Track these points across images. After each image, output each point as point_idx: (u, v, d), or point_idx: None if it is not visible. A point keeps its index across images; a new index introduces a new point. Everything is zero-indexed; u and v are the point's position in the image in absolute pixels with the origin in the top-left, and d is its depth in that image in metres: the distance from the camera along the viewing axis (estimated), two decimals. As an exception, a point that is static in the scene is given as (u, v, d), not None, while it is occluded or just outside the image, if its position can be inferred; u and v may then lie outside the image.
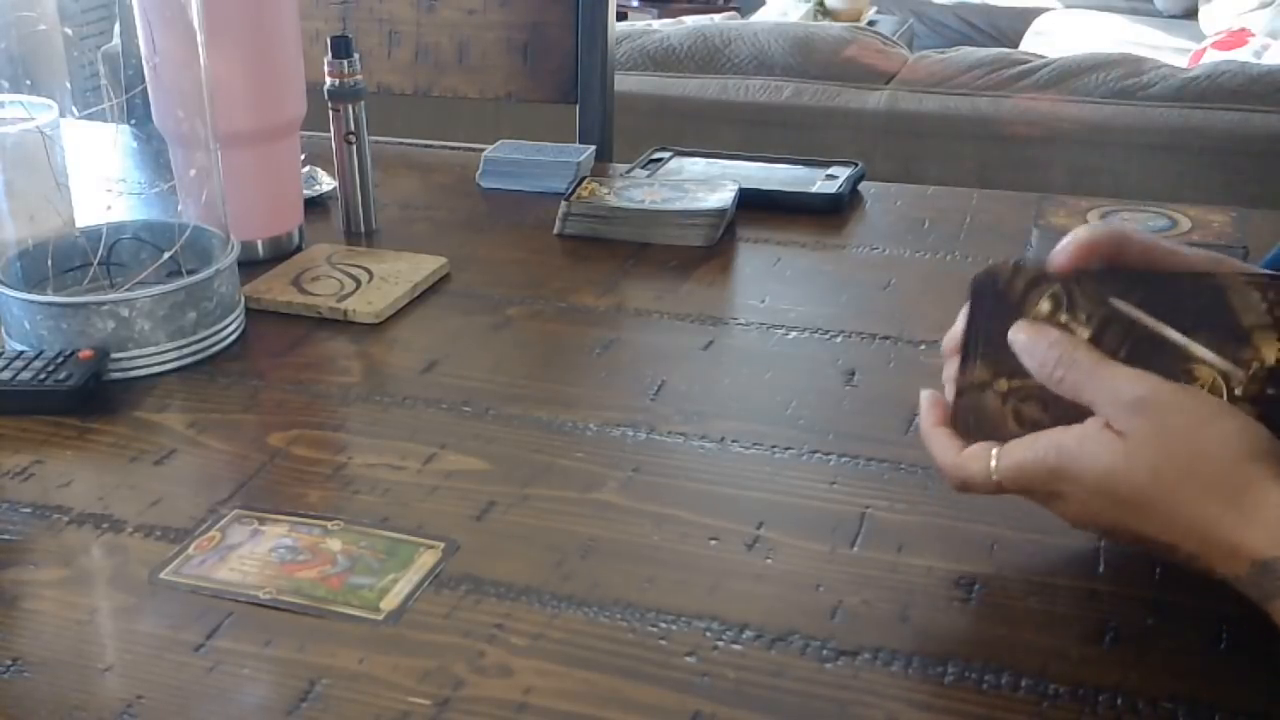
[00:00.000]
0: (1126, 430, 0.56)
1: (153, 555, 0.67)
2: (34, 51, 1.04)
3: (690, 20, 2.96)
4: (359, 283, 0.98)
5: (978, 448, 0.61)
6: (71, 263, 0.93)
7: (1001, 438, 0.61)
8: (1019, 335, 0.60)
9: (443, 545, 0.67)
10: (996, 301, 0.61)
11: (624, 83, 1.66)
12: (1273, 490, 0.53)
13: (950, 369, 0.64)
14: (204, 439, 0.79)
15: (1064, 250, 0.60)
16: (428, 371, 0.87)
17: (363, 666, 0.59)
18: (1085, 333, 0.60)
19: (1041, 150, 1.91)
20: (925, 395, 0.65)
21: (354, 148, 1.10)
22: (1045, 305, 0.60)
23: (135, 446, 0.78)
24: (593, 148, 1.27)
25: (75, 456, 0.77)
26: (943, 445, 0.63)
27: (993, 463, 0.60)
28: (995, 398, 0.62)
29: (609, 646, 0.60)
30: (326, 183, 1.19)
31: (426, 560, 0.66)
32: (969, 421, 0.63)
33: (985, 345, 0.62)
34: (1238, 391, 0.58)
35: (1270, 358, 0.57)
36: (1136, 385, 0.57)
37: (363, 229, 1.12)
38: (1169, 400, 0.56)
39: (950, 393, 0.64)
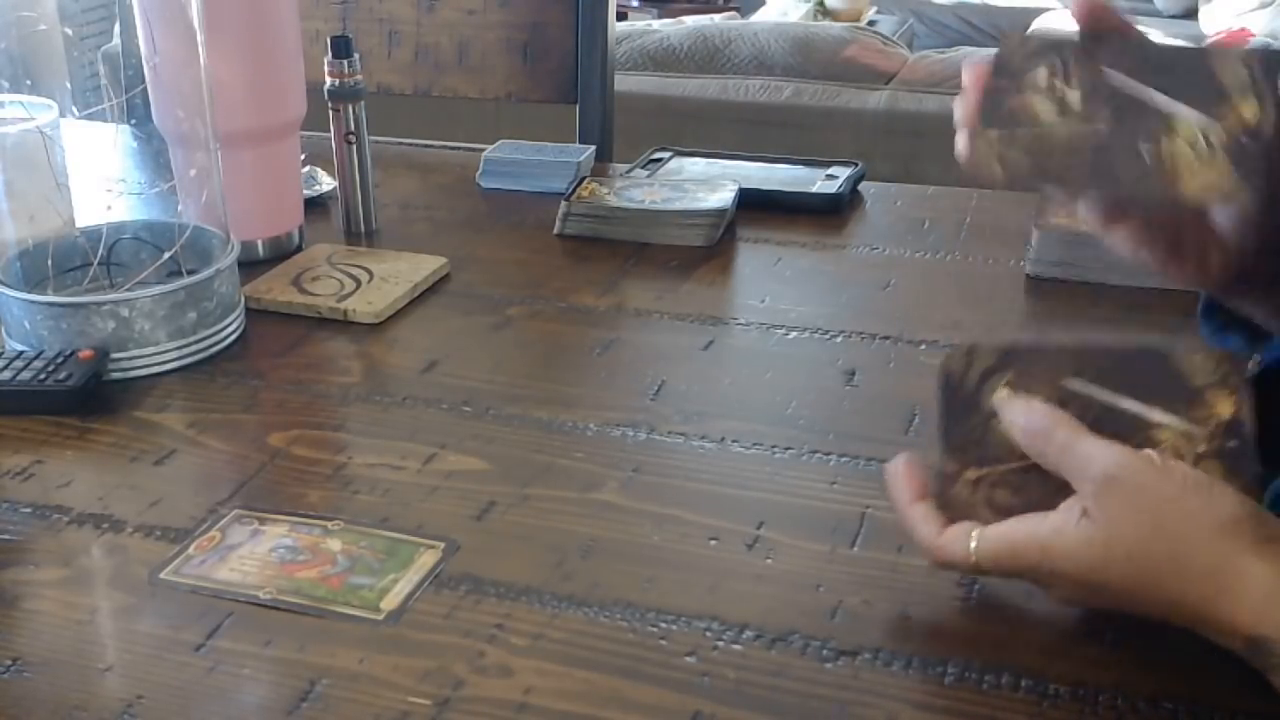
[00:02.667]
0: (1098, 514, 0.55)
1: (153, 555, 0.67)
2: (34, 51, 1.04)
3: (690, 20, 2.96)
4: (359, 283, 0.98)
5: (958, 529, 0.60)
6: (71, 263, 0.93)
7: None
8: (1005, 408, 0.60)
9: (443, 545, 0.67)
10: (953, 394, 0.61)
11: (624, 83, 1.66)
12: (1251, 564, 0.53)
13: (966, 109, 0.60)
14: (204, 439, 0.79)
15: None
16: (428, 371, 0.87)
17: (363, 666, 0.59)
18: None
19: (1041, 150, 1.91)
20: (897, 468, 0.63)
21: (354, 148, 1.10)
22: (1002, 393, 0.60)
23: (135, 446, 0.78)
24: (593, 148, 1.27)
25: (75, 456, 0.77)
26: (922, 522, 0.61)
27: (972, 544, 0.59)
28: (966, 487, 0.61)
29: (609, 646, 0.60)
30: (326, 183, 1.19)
31: (426, 560, 0.66)
32: (943, 513, 0.62)
33: (948, 438, 0.61)
34: (1201, 449, 0.58)
35: (1226, 412, 0.58)
36: (1104, 460, 0.56)
37: (363, 229, 1.12)
38: (1136, 478, 0.55)
39: (963, 142, 0.60)
